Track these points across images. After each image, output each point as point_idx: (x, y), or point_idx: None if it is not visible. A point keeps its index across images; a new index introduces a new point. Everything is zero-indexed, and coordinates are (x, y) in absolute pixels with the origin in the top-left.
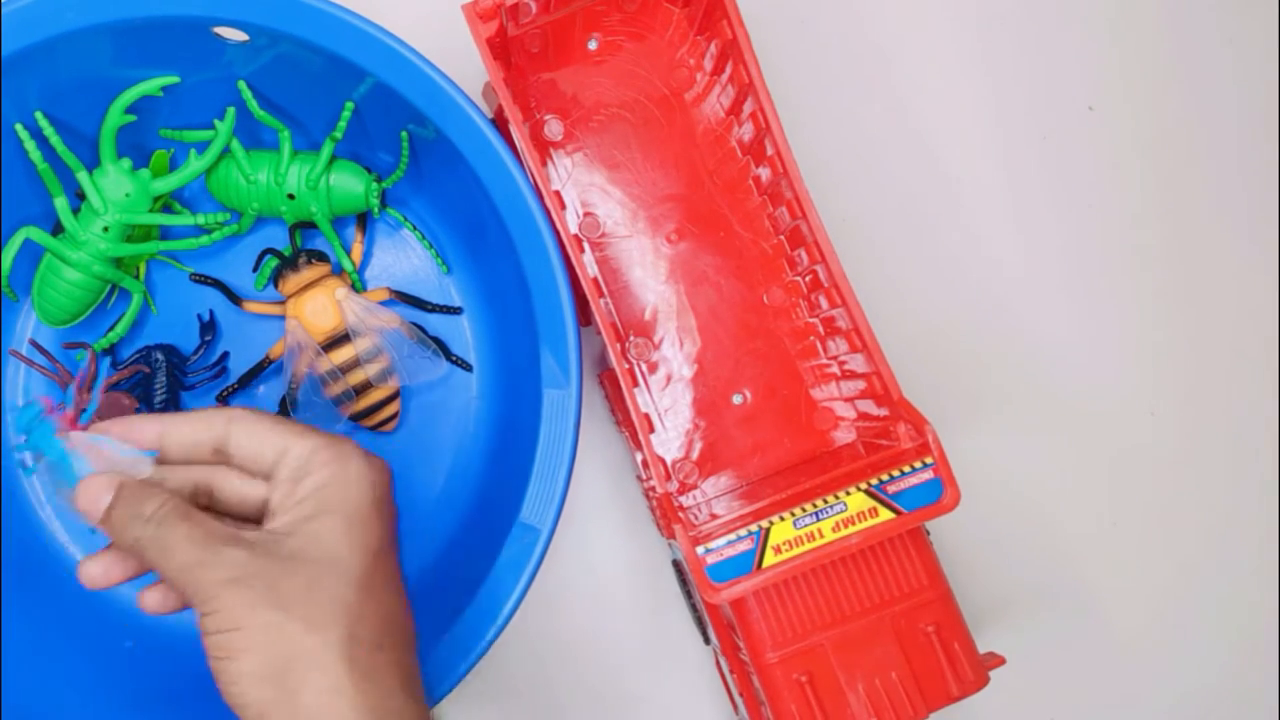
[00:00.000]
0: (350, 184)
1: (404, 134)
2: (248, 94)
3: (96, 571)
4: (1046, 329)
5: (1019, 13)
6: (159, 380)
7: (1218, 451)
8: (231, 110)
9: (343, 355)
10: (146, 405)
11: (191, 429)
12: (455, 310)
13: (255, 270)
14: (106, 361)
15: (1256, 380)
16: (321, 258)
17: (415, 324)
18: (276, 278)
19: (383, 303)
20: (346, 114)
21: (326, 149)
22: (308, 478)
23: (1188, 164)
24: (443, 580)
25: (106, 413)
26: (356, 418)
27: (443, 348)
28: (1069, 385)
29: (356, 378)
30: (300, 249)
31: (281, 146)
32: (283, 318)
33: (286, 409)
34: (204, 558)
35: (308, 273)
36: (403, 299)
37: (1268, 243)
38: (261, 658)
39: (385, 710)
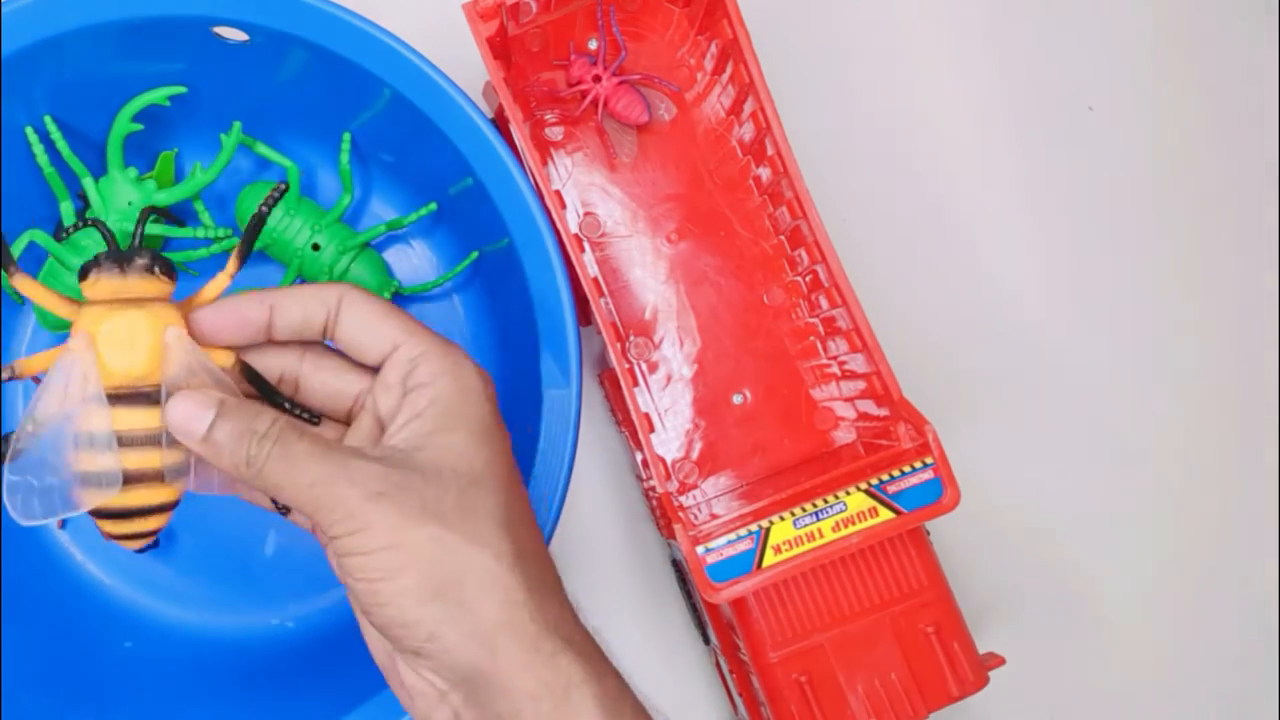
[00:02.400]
0: (367, 279)
1: (432, 206)
2: (248, 139)
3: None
4: (1047, 328)
5: (1020, 13)
6: None
7: (1218, 451)
8: (237, 124)
9: (133, 420)
10: None
11: (303, 309)
12: (314, 420)
13: (67, 229)
14: None
15: (1257, 380)
16: (168, 270)
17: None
18: (90, 268)
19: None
20: (346, 145)
21: (362, 236)
22: (422, 388)
23: (1188, 163)
24: None
25: None
26: (99, 515)
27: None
28: (1069, 385)
29: (135, 460)
30: (145, 246)
31: (291, 183)
32: (65, 324)
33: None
34: (336, 472)
35: (136, 282)
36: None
37: (1268, 242)
38: (424, 574)
39: (560, 622)
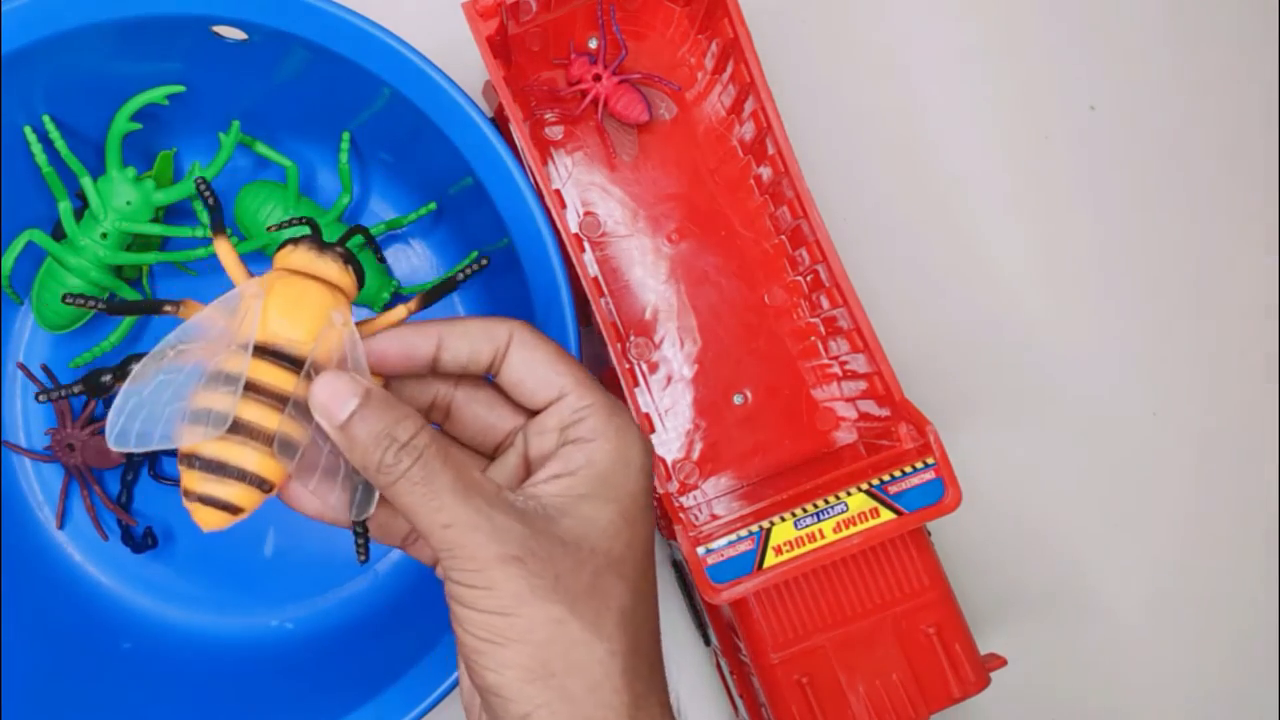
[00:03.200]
0: (367, 279)
1: (431, 206)
2: (247, 138)
3: (306, 500)
4: (1048, 329)
5: (1020, 12)
6: None
7: (1218, 451)
8: (236, 123)
9: (269, 374)
10: (126, 455)
11: (471, 347)
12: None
13: (277, 225)
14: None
15: (1257, 380)
16: (359, 274)
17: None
18: (289, 242)
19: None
20: (345, 145)
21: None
22: (581, 444)
23: (1188, 164)
24: (438, 589)
25: (93, 458)
26: (191, 464)
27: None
28: (1070, 385)
29: (252, 413)
30: (350, 249)
31: (289, 181)
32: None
33: (98, 380)
34: (477, 520)
35: (328, 265)
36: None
37: (1268, 242)
38: (535, 654)
39: None
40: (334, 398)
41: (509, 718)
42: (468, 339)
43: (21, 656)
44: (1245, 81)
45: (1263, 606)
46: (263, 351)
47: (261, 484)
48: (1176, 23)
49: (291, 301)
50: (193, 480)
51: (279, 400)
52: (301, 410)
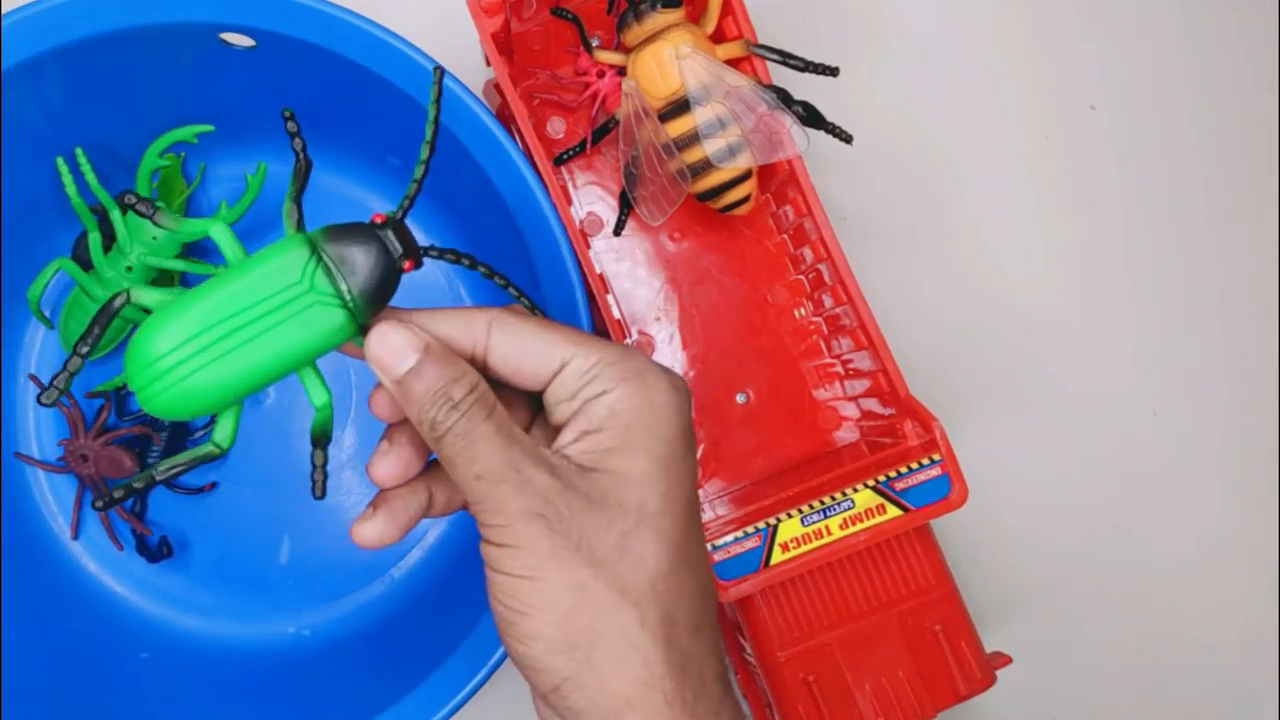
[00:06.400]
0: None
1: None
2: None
3: (371, 535)
4: (1049, 327)
5: (1022, 12)
6: (156, 448)
7: (1219, 451)
8: (263, 165)
9: (679, 127)
10: (140, 464)
11: (447, 330)
12: (831, 71)
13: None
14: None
15: (1257, 380)
16: (673, 2)
17: (777, 88)
18: (621, 25)
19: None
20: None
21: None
22: (602, 396)
23: (1189, 163)
24: (456, 593)
25: (106, 468)
26: (702, 198)
27: (813, 114)
28: (1072, 384)
29: (693, 155)
30: None
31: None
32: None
33: (627, 179)
34: (505, 473)
35: (651, 22)
36: (768, 55)
37: (1268, 242)
38: (560, 623)
39: (701, 708)
40: (392, 353)
41: (542, 688)
42: (444, 324)
43: (38, 667)
44: (1246, 81)
45: (1262, 605)
46: (664, 116)
47: (738, 180)
48: (1177, 22)
49: (648, 72)
50: (711, 203)
51: (694, 137)
52: (709, 130)
